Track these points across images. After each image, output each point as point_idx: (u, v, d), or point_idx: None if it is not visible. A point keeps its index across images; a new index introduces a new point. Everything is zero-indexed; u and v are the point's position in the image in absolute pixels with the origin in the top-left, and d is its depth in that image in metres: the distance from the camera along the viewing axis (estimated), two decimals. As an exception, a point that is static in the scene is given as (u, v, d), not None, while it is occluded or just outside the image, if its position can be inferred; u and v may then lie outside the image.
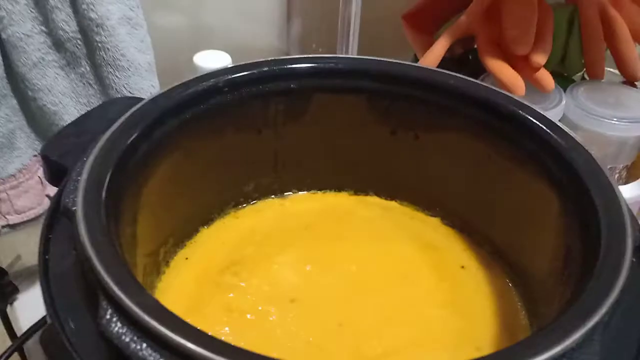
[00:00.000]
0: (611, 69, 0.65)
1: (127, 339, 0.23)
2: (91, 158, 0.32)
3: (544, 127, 0.34)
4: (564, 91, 0.59)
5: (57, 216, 0.32)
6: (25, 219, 0.55)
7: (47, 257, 0.30)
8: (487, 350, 0.36)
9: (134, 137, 0.34)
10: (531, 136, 0.35)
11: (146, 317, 0.23)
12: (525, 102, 0.36)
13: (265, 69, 0.40)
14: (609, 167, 0.60)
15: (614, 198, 0.30)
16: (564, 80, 0.63)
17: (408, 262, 0.41)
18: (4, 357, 0.49)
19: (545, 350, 0.23)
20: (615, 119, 0.57)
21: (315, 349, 0.35)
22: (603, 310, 0.25)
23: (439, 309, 0.38)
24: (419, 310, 0.38)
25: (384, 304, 0.38)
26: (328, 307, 0.38)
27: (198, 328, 0.24)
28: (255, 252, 0.42)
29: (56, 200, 0.33)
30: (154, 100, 0.37)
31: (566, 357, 0.24)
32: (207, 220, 0.44)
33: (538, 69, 0.56)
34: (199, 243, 0.42)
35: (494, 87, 0.38)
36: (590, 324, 0.24)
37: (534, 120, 0.35)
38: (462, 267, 0.41)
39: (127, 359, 0.23)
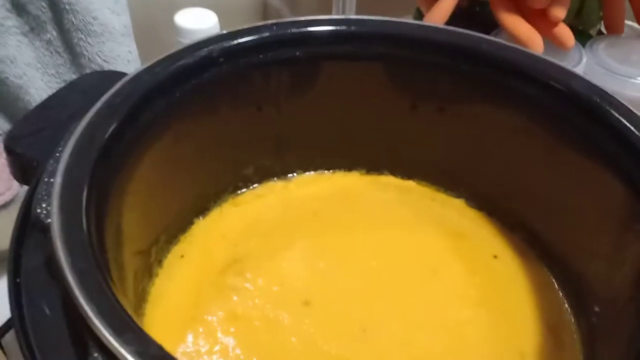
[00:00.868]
0: (630, 22, 0.59)
1: (128, 402, 0.18)
2: (65, 155, 0.26)
3: (600, 102, 0.30)
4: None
5: (27, 226, 0.26)
6: (-8, 206, 0.49)
7: (18, 280, 0.24)
8: (531, 356, 0.32)
9: (115, 125, 0.28)
10: (585, 112, 0.30)
11: (150, 374, 0.18)
12: (577, 73, 0.31)
13: (266, 34, 0.34)
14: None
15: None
16: (579, 35, 0.57)
17: (434, 254, 0.37)
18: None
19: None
20: (638, 78, 0.52)
21: (337, 361, 0.31)
22: None
23: (472, 308, 0.34)
24: (450, 312, 0.33)
25: (411, 305, 0.34)
26: (347, 310, 0.33)
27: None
28: (259, 246, 0.37)
29: (26, 206, 0.27)
30: (137, 77, 0.31)
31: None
32: (203, 210, 0.38)
33: (557, 23, 0.51)
34: (194, 237, 0.37)
35: (536, 53, 0.32)
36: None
37: (588, 94, 0.30)
38: (495, 256, 0.37)
39: None
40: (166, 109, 0.32)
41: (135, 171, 0.30)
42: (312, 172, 0.42)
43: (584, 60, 0.53)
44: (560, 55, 0.52)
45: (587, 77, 0.32)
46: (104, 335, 0.19)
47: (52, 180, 0.25)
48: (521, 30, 0.51)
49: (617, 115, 0.29)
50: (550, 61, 0.32)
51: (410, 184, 0.41)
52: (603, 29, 0.60)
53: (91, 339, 0.20)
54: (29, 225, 0.26)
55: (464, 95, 0.36)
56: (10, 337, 0.48)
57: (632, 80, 0.52)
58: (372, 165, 0.42)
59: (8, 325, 0.44)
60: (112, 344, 0.19)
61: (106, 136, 0.28)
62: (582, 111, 0.30)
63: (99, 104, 0.29)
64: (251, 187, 0.40)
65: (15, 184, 0.50)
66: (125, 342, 0.19)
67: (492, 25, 0.53)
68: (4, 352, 0.48)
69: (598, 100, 0.29)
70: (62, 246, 0.22)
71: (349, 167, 0.42)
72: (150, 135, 0.31)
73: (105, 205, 0.26)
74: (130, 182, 0.30)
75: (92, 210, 0.25)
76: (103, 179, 0.26)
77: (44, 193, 0.25)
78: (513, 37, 0.51)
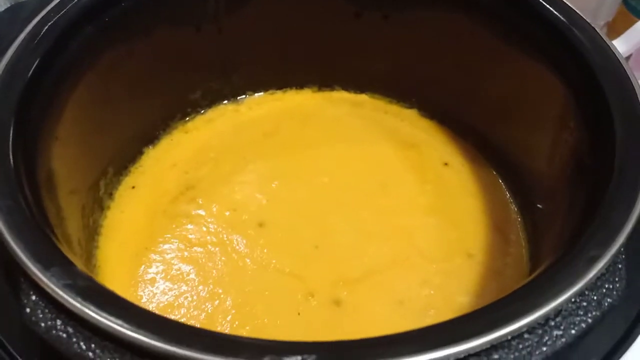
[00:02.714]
0: None
1: (60, 332, 0.19)
2: (-12, 93, 0.25)
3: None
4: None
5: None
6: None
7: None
8: (479, 256, 0.33)
9: (39, 59, 0.27)
10: (524, 10, 0.29)
11: (79, 305, 0.19)
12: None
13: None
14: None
15: (629, 89, 0.25)
16: None
17: (386, 166, 0.37)
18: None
19: (569, 283, 0.19)
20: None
21: (292, 278, 0.31)
22: (628, 229, 0.21)
23: (423, 217, 0.34)
24: (402, 222, 0.34)
25: (363, 218, 0.34)
26: (300, 228, 0.34)
27: (147, 310, 0.19)
28: (211, 171, 0.36)
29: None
30: (61, 3, 0.30)
31: (590, 289, 0.20)
32: (152, 139, 0.38)
33: None
34: (145, 167, 0.37)
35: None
36: (618, 243, 0.20)
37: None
38: (445, 164, 0.37)
39: (62, 355, 0.19)
40: (96, 36, 0.30)
41: (67, 106, 0.29)
42: (263, 93, 0.41)
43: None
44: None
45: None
46: (32, 271, 0.19)
47: (-25, 120, 0.25)
48: None
49: (555, 12, 0.28)
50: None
51: (363, 97, 0.41)
52: None
53: (21, 274, 0.20)
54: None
55: (406, 0, 0.35)
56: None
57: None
58: (324, 81, 0.41)
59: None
60: (40, 279, 0.19)
61: (30, 71, 0.27)
62: (519, 9, 0.29)
63: (22, 36, 0.28)
64: (201, 112, 0.40)
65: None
66: (52, 276, 0.19)
67: None
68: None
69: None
70: (-14, 186, 0.22)
71: (300, 84, 0.41)
72: (81, 66, 0.30)
73: (35, 143, 0.26)
74: (62, 118, 0.29)
75: (19, 150, 0.24)
76: (30, 117, 0.26)
77: (-32, 134, 0.25)
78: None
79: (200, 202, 0.35)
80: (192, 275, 0.32)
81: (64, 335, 0.19)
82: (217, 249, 0.33)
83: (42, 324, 0.19)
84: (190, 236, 0.33)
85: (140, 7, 0.32)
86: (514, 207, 0.35)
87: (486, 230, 0.34)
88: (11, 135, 0.24)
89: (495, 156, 0.36)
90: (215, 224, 0.34)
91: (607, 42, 0.27)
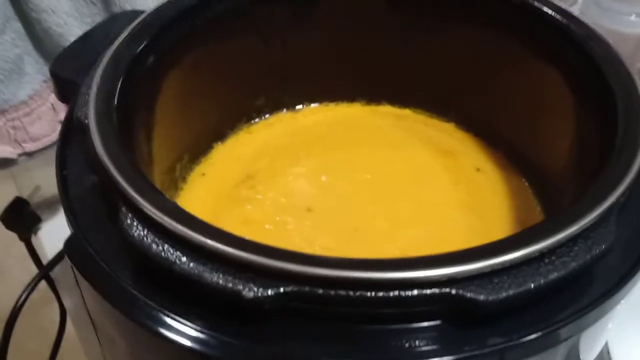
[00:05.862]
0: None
1: (149, 241, 0.24)
2: (99, 70, 0.31)
3: (560, 17, 0.34)
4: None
5: (71, 132, 0.32)
6: (40, 146, 0.55)
7: (64, 172, 0.30)
8: (502, 246, 0.36)
9: (140, 47, 0.33)
10: (547, 26, 0.34)
11: (166, 218, 0.24)
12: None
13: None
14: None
15: (632, 87, 0.29)
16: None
17: (423, 168, 0.41)
18: (32, 285, 0.50)
19: (562, 229, 0.23)
20: (634, 15, 0.55)
21: (333, 253, 0.36)
22: (619, 191, 0.25)
23: (454, 210, 0.38)
24: (434, 213, 0.38)
25: (400, 208, 0.38)
26: (343, 214, 0.38)
27: (216, 226, 0.24)
28: (269, 165, 0.42)
29: (68, 116, 0.33)
30: (158, 10, 0.36)
31: (582, 237, 0.24)
32: (221, 136, 0.44)
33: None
34: (214, 159, 0.42)
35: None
36: (607, 204, 0.24)
37: (549, 11, 0.34)
38: (478, 169, 0.41)
39: (150, 260, 0.24)
40: (183, 38, 0.37)
41: (158, 94, 0.35)
42: (318, 104, 0.46)
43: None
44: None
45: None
46: (131, 195, 0.25)
47: (89, 91, 0.31)
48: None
49: (576, 30, 0.33)
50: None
51: (407, 112, 0.46)
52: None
53: (121, 199, 0.25)
54: (71, 132, 0.32)
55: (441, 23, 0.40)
56: (58, 270, 0.53)
57: (626, 17, 0.55)
58: (372, 96, 0.46)
59: (56, 258, 0.49)
60: (139, 201, 0.25)
61: (133, 55, 0.32)
62: (544, 25, 0.34)
63: (127, 31, 0.34)
64: (263, 117, 0.45)
65: (59, 127, 0.56)
66: (147, 200, 0.25)
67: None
68: (53, 288, 0.53)
69: (558, 15, 0.33)
70: (97, 135, 0.28)
71: (351, 98, 0.47)
72: (172, 60, 0.36)
73: (134, 114, 0.32)
74: (154, 104, 0.35)
75: (122, 112, 0.30)
76: (131, 90, 0.32)
77: (83, 101, 0.31)
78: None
79: (259, 189, 0.40)
80: (247, 246, 0.36)
81: (154, 244, 0.24)
82: (270, 227, 0.38)
83: (135, 234, 0.24)
84: (249, 216, 0.38)
85: (228, 15, 0.38)
86: (539, 209, 0.38)
87: (512, 226, 0.38)
88: (115, 99, 0.30)
89: (523, 164, 0.40)
90: (271, 208, 0.39)
91: (617, 52, 0.31)
